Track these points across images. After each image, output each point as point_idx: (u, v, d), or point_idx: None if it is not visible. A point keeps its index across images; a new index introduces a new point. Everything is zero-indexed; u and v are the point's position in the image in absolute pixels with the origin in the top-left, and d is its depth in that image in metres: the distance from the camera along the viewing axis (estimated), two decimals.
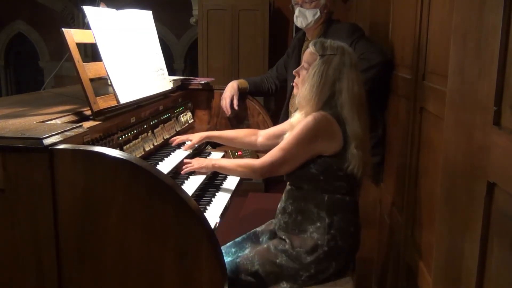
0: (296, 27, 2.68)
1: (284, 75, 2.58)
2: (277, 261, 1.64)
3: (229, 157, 2.34)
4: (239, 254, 1.81)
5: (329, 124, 1.59)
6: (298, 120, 1.72)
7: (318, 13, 2.33)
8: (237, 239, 1.94)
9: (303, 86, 1.67)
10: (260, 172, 1.70)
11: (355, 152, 1.58)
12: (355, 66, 1.65)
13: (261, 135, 2.06)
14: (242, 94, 2.48)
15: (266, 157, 1.67)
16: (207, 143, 2.43)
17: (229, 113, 2.44)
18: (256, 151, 2.33)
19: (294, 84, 1.78)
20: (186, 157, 2.04)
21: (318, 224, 1.63)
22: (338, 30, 2.27)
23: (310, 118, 1.60)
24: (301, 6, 2.36)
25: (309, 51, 1.68)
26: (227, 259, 1.81)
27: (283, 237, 1.69)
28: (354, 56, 1.67)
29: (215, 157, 2.26)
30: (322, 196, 1.64)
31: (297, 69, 1.75)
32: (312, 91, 1.62)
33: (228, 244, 1.93)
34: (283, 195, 1.77)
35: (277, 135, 1.97)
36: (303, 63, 1.71)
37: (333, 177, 1.63)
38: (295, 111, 1.87)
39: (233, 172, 1.84)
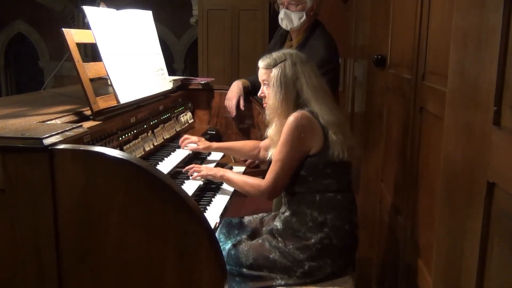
0: None
1: None
2: (271, 256, 1.68)
3: (228, 159, 2.34)
4: (238, 238, 1.86)
5: (309, 120, 1.64)
6: (275, 132, 1.75)
7: (304, 16, 2.25)
8: (244, 220, 1.98)
9: (269, 99, 1.74)
10: (268, 193, 1.70)
11: (334, 138, 1.64)
12: (306, 61, 1.74)
13: (262, 147, 2.08)
14: (245, 94, 2.48)
15: (268, 176, 1.70)
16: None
17: (234, 114, 2.42)
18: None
19: (264, 104, 1.81)
20: (186, 157, 2.04)
21: (311, 224, 1.66)
22: (315, 48, 2.21)
23: (290, 119, 1.64)
24: (287, 8, 2.27)
25: (262, 71, 1.76)
26: (227, 242, 1.87)
27: (276, 235, 1.73)
28: (302, 54, 1.77)
29: (215, 158, 2.26)
30: (313, 196, 1.67)
31: (259, 91, 1.82)
32: (277, 98, 1.69)
33: (234, 220, 1.98)
34: (283, 199, 1.79)
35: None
36: (262, 82, 1.78)
37: (321, 175, 1.66)
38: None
39: (239, 188, 1.82)
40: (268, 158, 1.91)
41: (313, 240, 1.64)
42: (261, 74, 1.77)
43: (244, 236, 1.86)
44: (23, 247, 1.18)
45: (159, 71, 2.18)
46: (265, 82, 1.77)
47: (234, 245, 1.77)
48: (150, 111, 2.06)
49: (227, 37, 4.71)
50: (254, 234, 1.89)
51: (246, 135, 2.55)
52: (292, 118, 1.64)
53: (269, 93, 1.74)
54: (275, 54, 1.75)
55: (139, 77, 1.94)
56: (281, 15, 2.30)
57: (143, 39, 2.08)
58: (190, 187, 1.83)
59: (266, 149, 1.99)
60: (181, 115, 2.38)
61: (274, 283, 1.67)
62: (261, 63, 1.76)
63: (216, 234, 1.86)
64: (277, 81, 1.69)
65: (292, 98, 1.69)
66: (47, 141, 1.14)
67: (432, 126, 1.48)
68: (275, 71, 1.70)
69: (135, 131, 1.84)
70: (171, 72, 2.64)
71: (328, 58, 2.20)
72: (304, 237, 1.66)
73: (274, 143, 1.76)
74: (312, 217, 1.66)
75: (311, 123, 1.64)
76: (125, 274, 1.19)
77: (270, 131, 1.80)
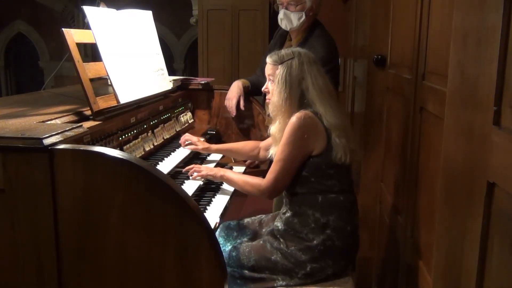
0: None
1: None
2: (272, 258, 1.67)
3: (228, 159, 2.34)
4: (238, 241, 1.86)
5: (312, 120, 1.63)
6: (278, 129, 1.74)
7: (304, 17, 2.25)
8: (242, 222, 1.97)
9: (273, 96, 1.73)
10: (268, 192, 1.70)
11: (338, 141, 1.63)
12: (314, 62, 1.72)
13: (261, 147, 2.08)
14: (245, 94, 2.48)
15: (268, 175, 1.70)
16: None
17: (234, 114, 2.41)
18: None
19: (267, 100, 1.80)
20: (186, 157, 2.04)
21: (313, 225, 1.65)
22: (315, 47, 2.18)
23: (293, 119, 1.63)
24: (286, 9, 2.27)
25: (269, 66, 1.75)
26: (227, 244, 1.87)
27: (278, 236, 1.72)
28: (310, 54, 1.74)
29: (215, 158, 2.26)
30: (315, 197, 1.66)
31: (264, 86, 1.81)
32: (281, 97, 1.68)
33: (232, 223, 1.97)
34: (284, 200, 1.79)
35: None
36: (268, 77, 1.77)
37: (323, 176, 1.65)
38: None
39: (240, 188, 1.82)
40: (269, 157, 1.91)
41: (315, 242, 1.64)
42: (268, 69, 1.76)
43: (244, 239, 1.86)
44: (23, 247, 1.18)
45: (159, 71, 2.18)
46: (271, 78, 1.75)
47: (235, 247, 1.77)
48: (150, 111, 2.06)
49: (227, 37, 4.71)
50: (254, 235, 1.89)
51: (246, 135, 2.55)
52: (295, 118, 1.63)
53: (273, 90, 1.72)
54: (284, 51, 1.74)
55: (139, 77, 1.94)
56: (281, 15, 2.30)
57: (143, 39, 2.08)
58: (190, 187, 1.83)
59: (266, 149, 1.99)
60: (181, 115, 2.38)
61: (275, 284, 1.66)
62: (269, 59, 1.75)
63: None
64: (282, 79, 1.67)
65: (296, 98, 1.68)
66: (47, 141, 1.14)
67: (432, 126, 1.48)
68: (281, 69, 1.69)
69: (135, 131, 1.84)
70: (171, 72, 2.64)
71: (328, 57, 2.20)
72: (306, 238, 1.66)
73: (276, 141, 1.75)
74: (314, 218, 1.65)
75: (314, 123, 1.63)
76: (125, 274, 1.19)
77: (273, 129, 1.78)
